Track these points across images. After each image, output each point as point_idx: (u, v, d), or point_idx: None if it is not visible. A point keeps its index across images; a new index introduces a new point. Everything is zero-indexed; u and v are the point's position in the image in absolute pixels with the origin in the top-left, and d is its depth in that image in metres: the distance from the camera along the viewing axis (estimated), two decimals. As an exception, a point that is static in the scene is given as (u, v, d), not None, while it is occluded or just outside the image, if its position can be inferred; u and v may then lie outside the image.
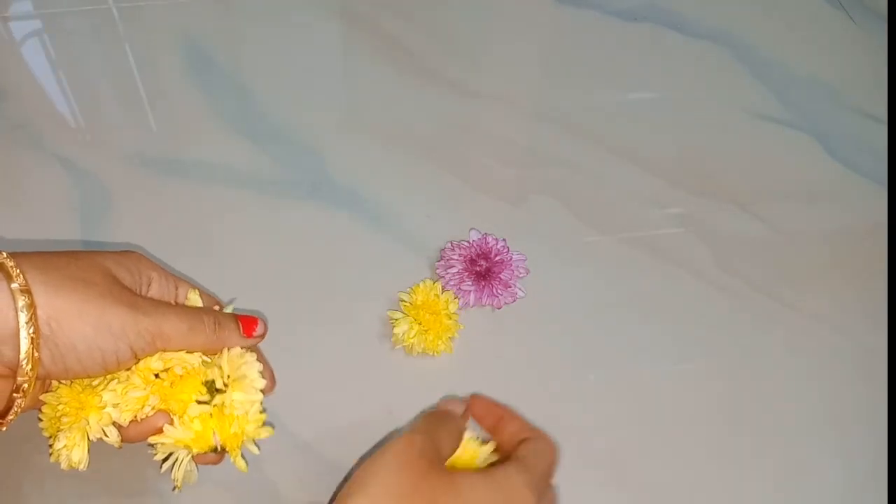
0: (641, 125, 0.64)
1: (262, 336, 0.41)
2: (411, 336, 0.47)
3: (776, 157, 0.63)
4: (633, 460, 0.41)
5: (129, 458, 0.43)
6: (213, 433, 0.38)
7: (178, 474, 0.38)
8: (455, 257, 0.52)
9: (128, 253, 0.39)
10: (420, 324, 0.47)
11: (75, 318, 0.34)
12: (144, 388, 0.37)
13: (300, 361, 0.48)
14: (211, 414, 0.38)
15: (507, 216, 0.57)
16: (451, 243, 0.53)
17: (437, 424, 0.37)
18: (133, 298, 0.36)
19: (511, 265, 0.52)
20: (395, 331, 0.48)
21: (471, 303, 0.50)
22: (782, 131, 0.65)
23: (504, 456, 0.39)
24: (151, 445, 0.38)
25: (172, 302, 0.40)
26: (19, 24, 0.69)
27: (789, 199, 0.60)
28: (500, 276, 0.51)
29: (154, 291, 0.39)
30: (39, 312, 0.33)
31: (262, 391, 0.39)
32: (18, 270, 0.33)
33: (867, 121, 0.66)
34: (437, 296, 0.49)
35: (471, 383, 0.48)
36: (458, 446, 0.38)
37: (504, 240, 0.53)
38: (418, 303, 0.48)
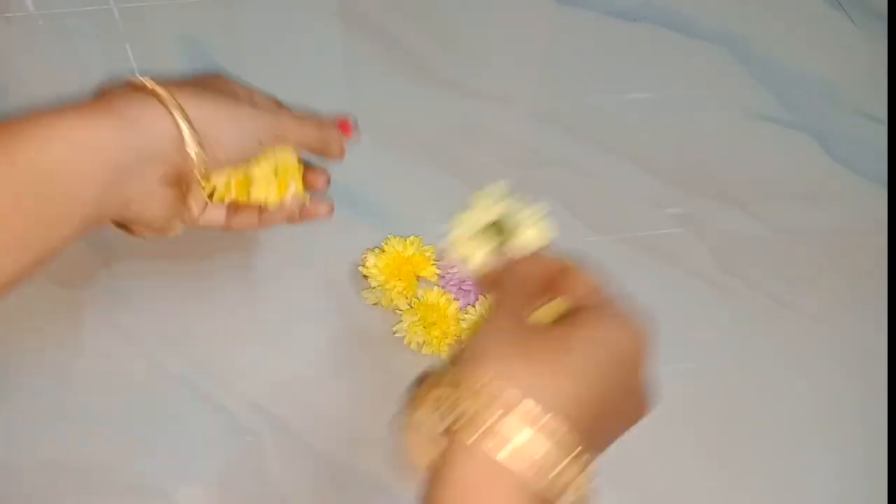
0: (641, 125, 0.64)
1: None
2: (416, 327, 0.48)
3: (776, 157, 0.63)
4: (632, 460, 0.41)
5: (130, 453, 0.43)
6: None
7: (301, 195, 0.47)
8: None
9: (219, 75, 0.46)
10: (425, 318, 0.48)
11: (217, 121, 0.41)
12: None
13: (300, 361, 0.48)
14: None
15: (507, 216, 0.57)
16: (452, 243, 0.53)
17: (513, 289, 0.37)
18: (253, 102, 0.44)
19: (511, 265, 0.52)
20: (404, 317, 0.48)
21: (472, 303, 0.50)
22: (782, 131, 0.65)
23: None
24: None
25: None
26: (20, 23, 0.69)
27: (789, 199, 0.60)
28: (501, 276, 0.51)
29: None
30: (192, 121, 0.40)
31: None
32: (167, 93, 0.39)
33: (867, 121, 0.66)
34: (448, 300, 0.49)
35: (471, 383, 0.48)
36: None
37: (504, 240, 0.53)
38: (429, 302, 0.48)
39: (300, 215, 0.48)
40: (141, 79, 0.40)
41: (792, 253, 0.56)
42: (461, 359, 0.33)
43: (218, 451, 0.44)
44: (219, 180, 0.44)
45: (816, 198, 0.60)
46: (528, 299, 0.37)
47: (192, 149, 0.39)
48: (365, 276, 0.50)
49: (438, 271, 0.51)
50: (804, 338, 0.51)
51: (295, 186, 0.47)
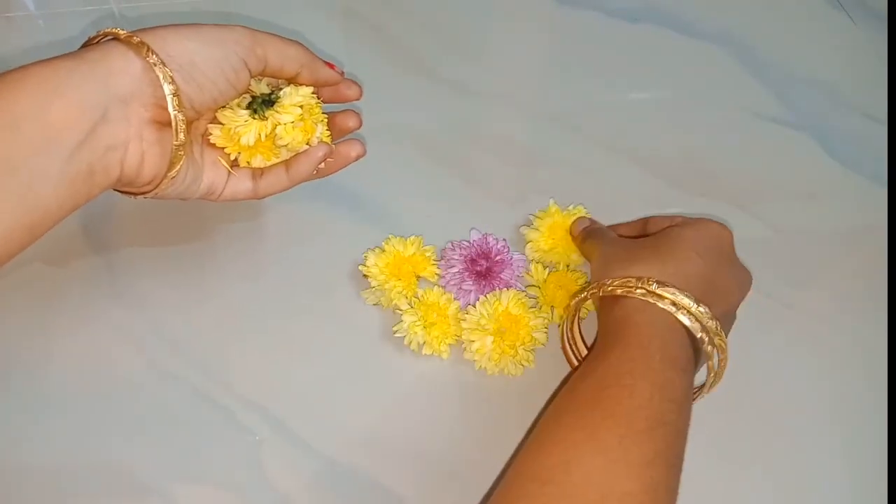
0: (641, 125, 0.64)
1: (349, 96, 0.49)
2: (416, 327, 0.48)
3: (776, 157, 0.63)
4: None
5: (129, 453, 0.43)
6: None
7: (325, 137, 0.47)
8: (455, 257, 0.52)
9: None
10: (425, 318, 0.48)
11: (186, 45, 0.40)
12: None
13: (300, 362, 0.48)
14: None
15: (507, 216, 0.57)
16: (452, 243, 0.53)
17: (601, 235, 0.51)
18: (224, 25, 0.43)
19: (511, 265, 0.52)
20: (404, 317, 0.48)
21: (472, 303, 0.50)
22: (782, 131, 0.65)
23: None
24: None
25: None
26: (20, 23, 0.69)
27: (789, 199, 0.60)
28: (501, 275, 0.51)
29: None
30: (156, 50, 0.39)
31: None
32: (127, 33, 0.40)
33: (867, 121, 0.66)
34: (448, 300, 0.49)
35: (472, 385, 0.48)
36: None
37: (504, 240, 0.53)
38: (429, 302, 0.48)
39: (330, 166, 0.48)
40: (112, 29, 0.41)
41: (792, 253, 0.56)
42: (592, 275, 0.47)
43: (218, 450, 0.44)
44: (231, 122, 0.44)
45: (816, 198, 0.60)
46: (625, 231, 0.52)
47: (163, 79, 0.39)
48: (365, 276, 0.50)
49: (438, 271, 0.51)
50: (804, 337, 0.51)
51: (321, 129, 0.46)
